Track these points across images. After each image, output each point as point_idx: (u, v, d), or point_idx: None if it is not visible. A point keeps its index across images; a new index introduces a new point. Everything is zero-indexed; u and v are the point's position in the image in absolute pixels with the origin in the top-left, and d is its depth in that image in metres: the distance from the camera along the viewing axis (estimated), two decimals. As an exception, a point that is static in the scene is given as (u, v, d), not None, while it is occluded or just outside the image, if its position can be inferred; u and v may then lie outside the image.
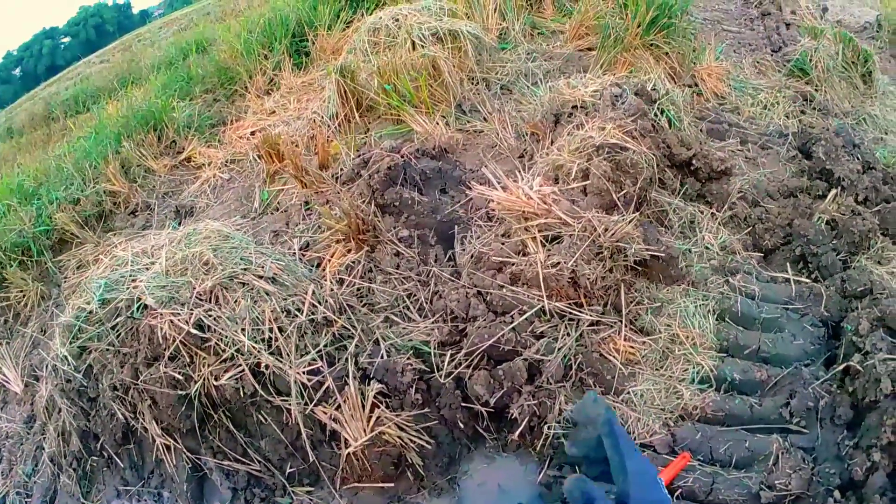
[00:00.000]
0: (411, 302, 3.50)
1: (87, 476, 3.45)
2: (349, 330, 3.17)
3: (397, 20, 5.55)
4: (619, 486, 1.36)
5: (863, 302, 3.36)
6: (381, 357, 3.09)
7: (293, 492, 3.05)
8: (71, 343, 3.25)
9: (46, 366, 3.48)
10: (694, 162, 4.07)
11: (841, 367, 3.08)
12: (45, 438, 3.63)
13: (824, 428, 2.95)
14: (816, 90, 5.57)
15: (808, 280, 3.62)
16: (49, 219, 5.50)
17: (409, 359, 3.12)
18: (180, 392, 2.92)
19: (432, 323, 3.33)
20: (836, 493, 2.64)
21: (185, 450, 3.11)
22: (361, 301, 3.55)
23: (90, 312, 3.21)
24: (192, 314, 2.94)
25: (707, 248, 3.78)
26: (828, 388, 3.06)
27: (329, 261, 3.78)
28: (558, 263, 3.17)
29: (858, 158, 4.28)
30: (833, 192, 4.03)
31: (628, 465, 1.38)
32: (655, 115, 4.27)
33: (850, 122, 5.21)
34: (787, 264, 3.74)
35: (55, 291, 5.05)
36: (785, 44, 6.27)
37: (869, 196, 4.00)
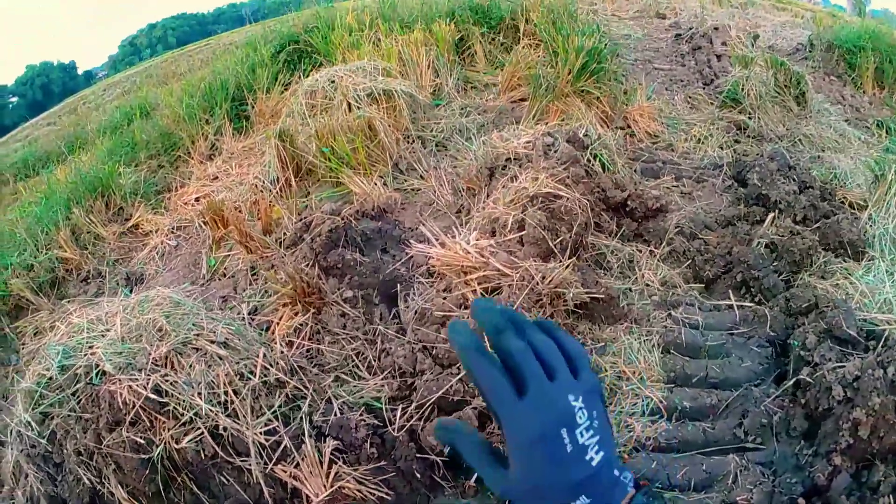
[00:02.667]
0: (360, 360, 3.55)
1: None
2: (301, 390, 3.20)
3: (333, 82, 5.63)
4: None
5: (809, 317, 3.46)
6: (335, 415, 3.12)
7: None
8: (33, 409, 3.20)
9: (11, 431, 3.40)
10: (629, 203, 4.18)
11: (791, 381, 3.17)
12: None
13: (780, 441, 3.03)
14: (750, 118, 5.74)
15: (751, 304, 3.73)
16: (4, 284, 5.45)
17: (361, 415, 3.15)
18: (143, 456, 2.91)
19: (382, 379, 3.38)
20: (801, 501, 2.70)
21: None
22: (311, 362, 3.58)
23: (50, 379, 3.18)
24: (149, 379, 2.95)
25: (647, 285, 3.87)
26: (780, 403, 3.15)
27: (277, 324, 3.80)
28: (498, 314, 3.21)
29: (794, 179, 4.42)
30: (771, 215, 4.15)
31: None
32: (588, 160, 4.38)
33: (785, 145, 5.36)
34: (730, 291, 3.83)
35: (13, 357, 4.98)
36: (716, 76, 6.45)
37: (808, 214, 4.14)
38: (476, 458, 0.90)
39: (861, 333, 3.19)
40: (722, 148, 5.37)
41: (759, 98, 5.83)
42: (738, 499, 2.73)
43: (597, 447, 0.86)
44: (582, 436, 0.85)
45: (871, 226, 4.10)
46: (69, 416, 3.10)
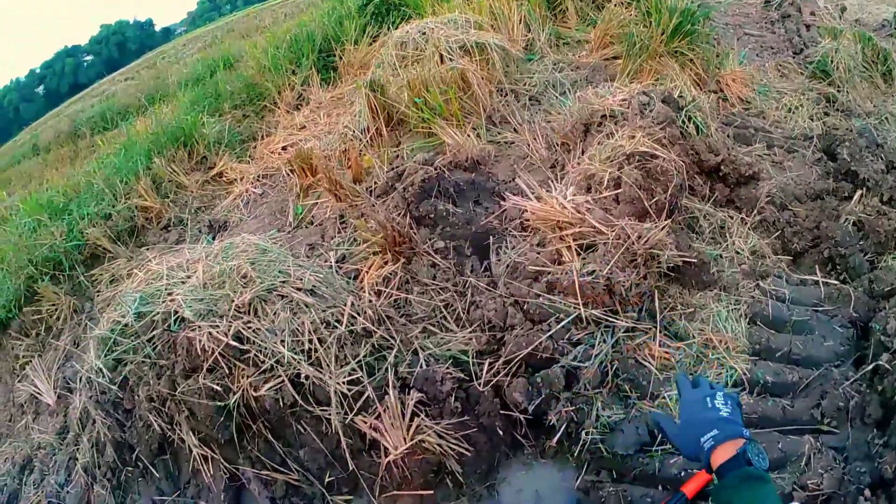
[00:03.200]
0: (448, 312, 3.54)
1: (121, 486, 3.46)
2: (388, 340, 3.20)
3: (424, 34, 5.58)
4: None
5: (890, 301, 3.36)
6: (420, 367, 3.11)
7: (332, 500, 3.06)
8: (106, 356, 3.28)
9: (80, 378, 3.50)
10: (722, 168, 4.10)
11: (870, 366, 3.08)
12: (78, 449, 3.66)
13: (854, 427, 2.95)
14: (839, 91, 5.56)
15: (836, 282, 3.63)
16: (80, 234, 5.57)
17: (447, 368, 3.13)
18: (219, 403, 2.94)
19: (470, 332, 3.37)
20: (867, 492, 2.64)
21: (222, 460, 3.14)
22: (399, 312, 3.59)
23: (126, 325, 3.24)
24: (230, 326, 2.98)
25: (737, 252, 3.80)
26: (858, 387, 3.06)
27: (366, 273, 3.82)
28: (593, 271, 3.20)
29: (882, 158, 4.30)
30: (858, 192, 4.05)
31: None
32: (683, 122, 4.30)
33: (872, 122, 5.18)
34: (816, 267, 3.74)
35: (88, 305, 5.11)
36: (806, 45, 6.27)
37: (894, 195, 4.01)
38: (664, 420, 1.91)
39: None
40: (812, 119, 5.20)
41: (848, 72, 5.63)
42: (808, 482, 2.68)
43: (726, 409, 1.73)
44: (717, 404, 1.75)
45: (959, 214, 3.93)
46: (143, 362, 3.16)
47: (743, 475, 1.55)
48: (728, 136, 4.70)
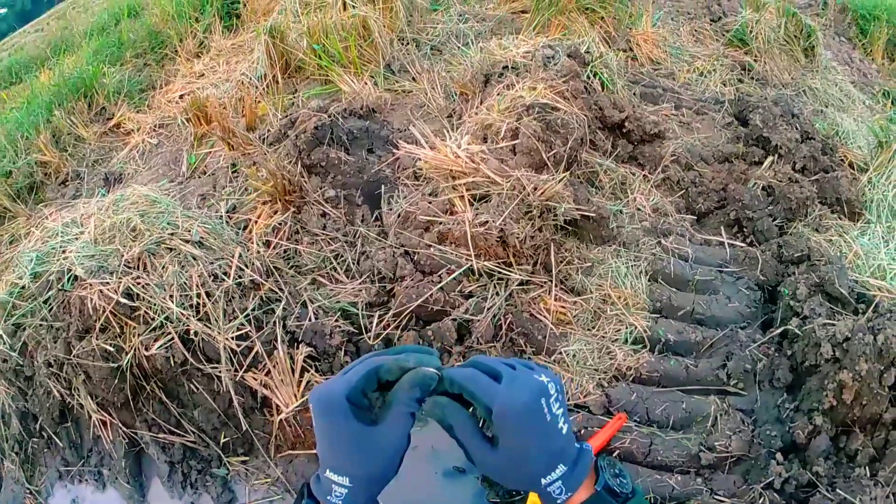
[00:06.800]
0: (338, 263, 3.45)
1: (28, 459, 3.35)
2: (276, 293, 3.12)
3: (329, -21, 5.40)
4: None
5: (800, 267, 3.38)
6: (309, 320, 3.05)
7: (229, 462, 3.02)
8: (5, 321, 3.16)
9: None
10: (626, 124, 4.07)
11: (778, 330, 3.11)
12: None
13: (763, 390, 2.99)
14: (755, 61, 5.58)
15: (742, 244, 3.65)
16: (-20, 194, 5.29)
17: (336, 321, 3.08)
18: (112, 364, 2.84)
19: (360, 284, 3.30)
20: (779, 456, 2.66)
21: (120, 424, 3.07)
22: (288, 263, 3.49)
23: (23, 287, 3.12)
24: (120, 282, 2.86)
25: (639, 209, 3.78)
26: (765, 350, 3.09)
27: (255, 223, 3.69)
28: (486, 222, 3.13)
29: (797, 128, 4.30)
30: (770, 158, 4.05)
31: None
32: (588, 77, 4.24)
33: (789, 94, 5.23)
34: (722, 228, 3.75)
35: (-12, 267, 4.86)
36: (725, 14, 6.27)
37: (807, 165, 4.03)
38: (468, 431, 1.07)
39: (852, 294, 3.13)
40: (725, 85, 5.22)
41: (768, 43, 5.65)
42: (716, 443, 2.70)
43: (562, 419, 1.06)
44: (553, 406, 1.04)
45: (869, 189, 4.02)
46: (41, 325, 3.03)
47: None
48: (635, 94, 4.68)
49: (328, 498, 1.04)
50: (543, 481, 1.04)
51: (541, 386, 1.04)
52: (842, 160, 4.29)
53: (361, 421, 1.04)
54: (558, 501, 1.04)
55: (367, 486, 1.06)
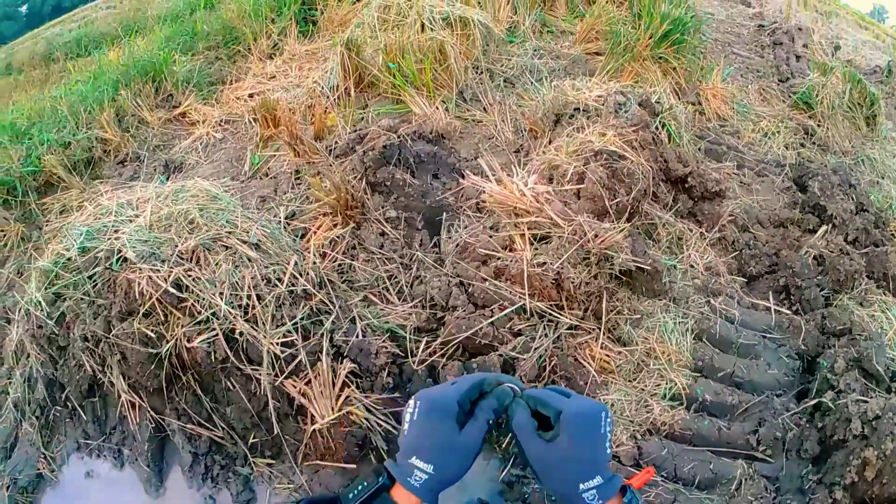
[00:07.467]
0: (392, 284, 3.47)
1: (48, 426, 3.38)
2: (327, 305, 3.13)
3: (409, 0, 5.46)
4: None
5: (840, 340, 3.37)
6: (357, 336, 3.06)
7: (254, 462, 3.02)
8: (46, 289, 3.18)
9: (20, 309, 3.40)
10: (689, 180, 4.07)
11: (812, 401, 3.09)
12: (10, 383, 3.54)
13: (790, 459, 2.96)
14: (819, 125, 5.55)
15: (788, 311, 3.63)
16: (38, 160, 5.35)
17: (384, 341, 3.10)
18: (151, 350, 2.86)
19: (411, 307, 3.31)
20: None
21: (149, 409, 3.08)
22: (342, 277, 3.51)
23: (69, 259, 3.13)
24: (171, 272, 2.87)
25: (692, 266, 3.77)
26: (797, 420, 3.07)
27: (314, 233, 3.72)
28: (544, 263, 3.14)
29: (853, 199, 4.28)
30: (824, 228, 4.04)
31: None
32: (657, 127, 4.24)
33: (848, 162, 5.21)
34: (770, 293, 3.73)
35: (36, 234, 4.92)
36: (793, 75, 6.26)
37: (859, 237, 4.01)
38: (526, 425, 1.26)
39: (888, 372, 3.12)
40: (787, 147, 5.21)
41: (832, 108, 5.63)
42: None
43: (609, 440, 1.25)
44: (608, 425, 1.25)
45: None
46: (82, 299, 3.05)
47: None
48: (700, 149, 4.68)
49: (408, 479, 1.22)
50: (581, 486, 1.19)
51: (603, 406, 1.27)
52: (892, 235, 4.27)
53: (457, 422, 1.25)
54: (586, 500, 1.19)
55: (444, 478, 1.23)
